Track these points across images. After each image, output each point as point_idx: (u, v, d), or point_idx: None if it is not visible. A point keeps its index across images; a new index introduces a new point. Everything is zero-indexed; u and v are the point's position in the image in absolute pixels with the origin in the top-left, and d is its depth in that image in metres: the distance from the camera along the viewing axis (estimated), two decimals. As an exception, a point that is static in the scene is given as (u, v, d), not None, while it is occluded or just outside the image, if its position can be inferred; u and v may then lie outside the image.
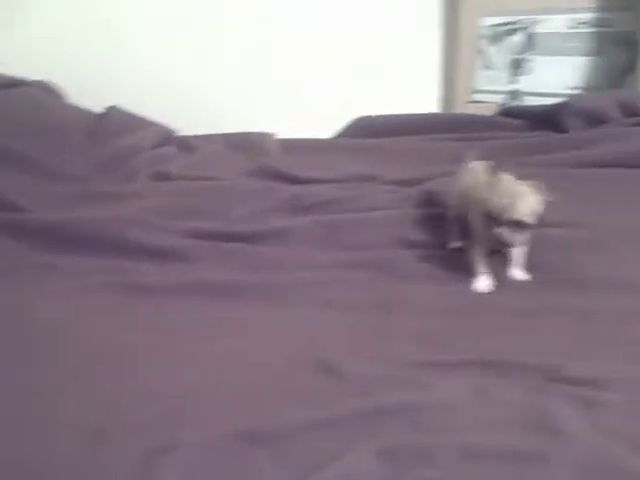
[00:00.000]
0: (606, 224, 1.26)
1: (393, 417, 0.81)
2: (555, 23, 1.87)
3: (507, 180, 1.08)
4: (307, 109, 2.00)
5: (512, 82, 1.94)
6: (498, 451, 0.75)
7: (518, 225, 1.04)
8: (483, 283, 1.12)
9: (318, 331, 1.04)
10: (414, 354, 0.95)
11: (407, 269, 1.19)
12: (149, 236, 1.30)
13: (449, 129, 1.81)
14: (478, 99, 1.98)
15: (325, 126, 1.99)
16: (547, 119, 1.72)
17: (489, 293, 1.11)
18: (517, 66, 1.92)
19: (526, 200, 1.05)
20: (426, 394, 0.85)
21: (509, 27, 1.88)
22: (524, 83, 1.94)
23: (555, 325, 1.00)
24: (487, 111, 1.92)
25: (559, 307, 1.04)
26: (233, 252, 1.29)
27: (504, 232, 1.05)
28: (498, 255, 1.15)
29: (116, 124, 1.79)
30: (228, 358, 0.96)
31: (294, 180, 1.58)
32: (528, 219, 1.04)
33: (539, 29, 1.88)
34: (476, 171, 1.18)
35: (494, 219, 1.05)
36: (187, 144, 1.84)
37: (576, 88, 1.92)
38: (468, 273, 1.14)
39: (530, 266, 1.14)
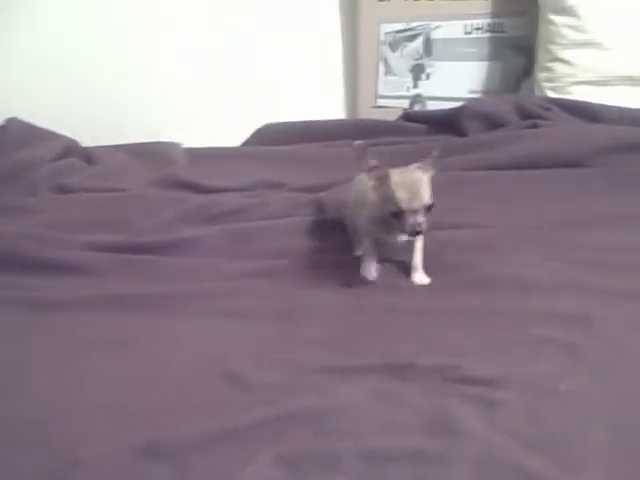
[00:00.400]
0: (505, 225, 1.31)
1: (296, 424, 0.82)
2: (452, 29, 1.92)
3: (396, 172, 1.09)
4: (212, 118, 2.00)
5: (414, 87, 1.98)
6: (400, 453, 0.77)
7: (428, 210, 1.06)
8: (371, 270, 1.16)
9: (224, 341, 1.04)
10: (317, 360, 0.95)
11: (311, 277, 1.20)
12: (50, 251, 1.27)
13: (355, 134, 1.82)
14: (382, 104, 2.00)
15: (231, 134, 1.98)
16: (448, 123, 1.76)
17: (398, 295, 1.12)
18: (418, 71, 1.97)
19: (424, 182, 1.07)
20: (329, 400, 0.86)
21: (408, 33, 1.92)
22: (425, 88, 1.98)
23: (456, 326, 1.02)
24: (391, 116, 1.95)
25: (460, 308, 1.07)
26: (139, 264, 1.27)
27: (416, 220, 1.06)
28: (398, 262, 1.18)
29: (16, 136, 1.75)
30: (132, 372, 0.95)
31: (200, 189, 1.57)
32: (432, 199, 1.06)
33: (436, 35, 1.92)
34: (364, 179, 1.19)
35: (401, 212, 1.06)
36: (91, 155, 1.80)
37: (475, 92, 1.98)
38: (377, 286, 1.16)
39: (431, 269, 1.17)
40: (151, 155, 1.81)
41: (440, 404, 0.84)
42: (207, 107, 2.01)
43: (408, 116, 1.89)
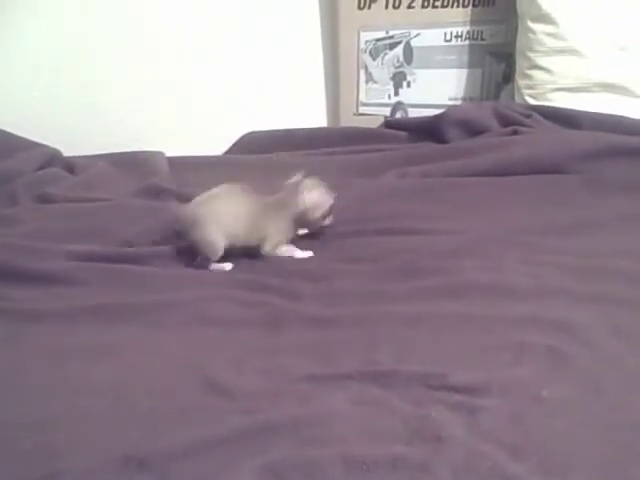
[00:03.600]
0: (485, 231, 1.31)
1: (278, 432, 0.82)
2: (432, 37, 1.93)
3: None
4: (195, 127, 2.00)
5: (395, 95, 1.99)
6: (383, 461, 0.77)
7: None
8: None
9: (205, 349, 1.04)
10: (300, 368, 0.96)
11: (293, 285, 1.20)
12: (31, 260, 1.26)
13: (336, 142, 1.84)
14: (364, 112, 2.01)
15: (214, 143, 1.98)
16: (428, 130, 1.77)
17: (379, 302, 1.12)
18: (399, 79, 1.97)
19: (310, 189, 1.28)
20: (311, 407, 0.86)
21: (388, 41, 1.93)
22: (406, 95, 1.99)
23: (438, 333, 1.03)
24: (373, 123, 1.96)
25: (442, 315, 1.07)
26: (121, 273, 1.27)
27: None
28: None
29: (-4, 146, 1.75)
30: (114, 381, 0.95)
31: (183, 198, 1.57)
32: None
33: (417, 43, 1.93)
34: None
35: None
36: (73, 165, 1.80)
37: (456, 99, 1.99)
38: (357, 292, 1.16)
39: (410, 273, 1.18)
40: (133, 164, 1.80)
41: (423, 411, 0.85)
42: (190, 116, 2.01)
43: (389, 123, 1.89)
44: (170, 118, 1.99)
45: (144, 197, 1.59)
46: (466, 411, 0.84)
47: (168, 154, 1.88)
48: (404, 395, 0.88)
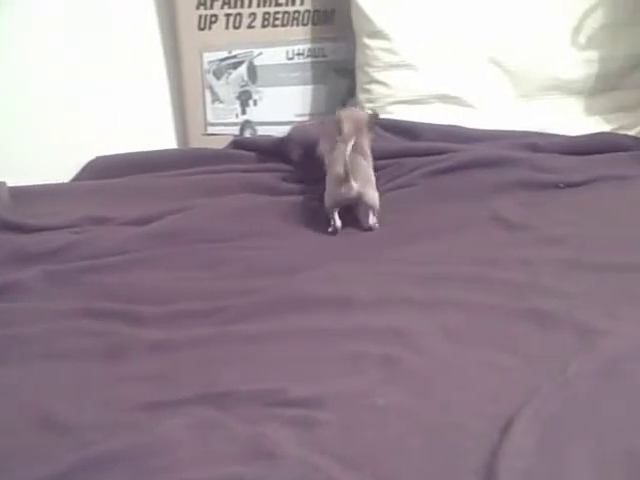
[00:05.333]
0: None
1: (114, 465, 0.81)
2: (274, 55, 1.95)
3: None
4: (38, 154, 1.93)
5: (242, 113, 2.00)
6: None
7: None
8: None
9: (44, 385, 1.01)
10: (140, 396, 0.95)
11: (138, 309, 1.19)
12: None
13: (182, 164, 1.83)
14: (213, 132, 2.01)
15: (60, 170, 1.93)
16: (275, 151, 1.78)
17: (222, 324, 1.12)
18: (245, 98, 1.98)
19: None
20: (148, 436, 0.86)
21: (231, 61, 1.94)
22: (253, 114, 2.00)
23: (278, 349, 1.04)
24: (223, 143, 1.96)
25: (281, 329, 1.08)
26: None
27: None
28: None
29: None
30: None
31: (23, 229, 1.52)
32: None
33: (260, 62, 1.95)
34: None
35: None
36: None
37: (303, 115, 2.02)
38: (201, 313, 1.16)
39: (251, 290, 1.19)
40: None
41: (259, 430, 0.85)
42: (32, 142, 1.94)
43: (237, 144, 1.89)
44: (11, 146, 1.91)
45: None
46: (302, 426, 0.85)
47: (10, 184, 1.81)
48: (241, 415, 0.89)
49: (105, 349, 1.09)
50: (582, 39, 1.83)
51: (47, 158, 1.93)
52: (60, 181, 1.91)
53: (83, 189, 1.82)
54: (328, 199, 1.42)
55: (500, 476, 0.74)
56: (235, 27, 1.91)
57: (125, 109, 1.99)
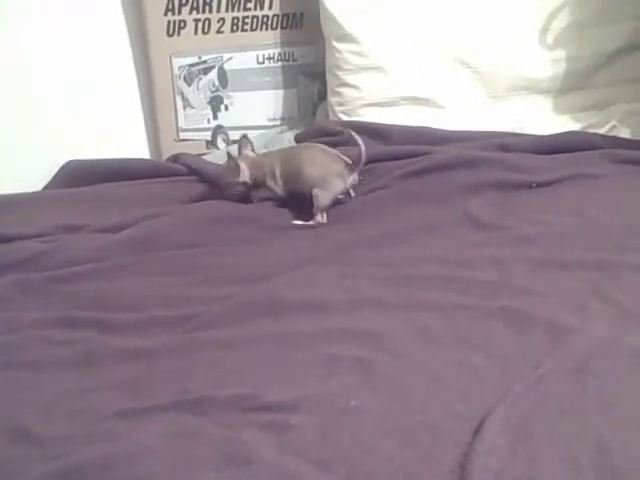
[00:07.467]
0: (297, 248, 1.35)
1: (87, 475, 0.80)
2: (244, 60, 1.95)
3: None
4: (7, 162, 1.92)
5: (214, 118, 2.00)
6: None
7: None
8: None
9: (14, 397, 1.00)
10: (114, 405, 0.94)
11: (111, 316, 1.18)
12: None
13: (153, 173, 1.81)
14: (185, 137, 2.01)
15: (30, 176, 1.91)
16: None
17: (197, 330, 1.12)
18: (216, 103, 1.98)
19: None
20: (121, 445, 0.85)
21: (201, 66, 1.94)
22: (225, 119, 2.00)
23: (253, 354, 1.04)
24: (195, 149, 1.96)
25: (255, 334, 1.08)
26: None
27: None
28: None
29: None
30: None
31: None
32: None
33: (230, 66, 1.95)
34: None
35: None
36: None
37: (275, 119, 2.03)
38: (174, 319, 1.16)
39: (224, 296, 1.19)
40: None
41: (235, 435, 0.85)
42: (7, 151, 1.92)
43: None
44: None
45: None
46: (277, 430, 0.85)
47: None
48: (217, 420, 0.88)
49: (77, 358, 1.09)
50: (549, 39, 1.84)
51: (17, 164, 1.91)
52: (29, 186, 1.89)
53: (54, 197, 1.80)
54: (329, 199, 1.45)
55: (473, 476, 0.74)
56: (204, 32, 1.91)
57: (96, 115, 1.98)
